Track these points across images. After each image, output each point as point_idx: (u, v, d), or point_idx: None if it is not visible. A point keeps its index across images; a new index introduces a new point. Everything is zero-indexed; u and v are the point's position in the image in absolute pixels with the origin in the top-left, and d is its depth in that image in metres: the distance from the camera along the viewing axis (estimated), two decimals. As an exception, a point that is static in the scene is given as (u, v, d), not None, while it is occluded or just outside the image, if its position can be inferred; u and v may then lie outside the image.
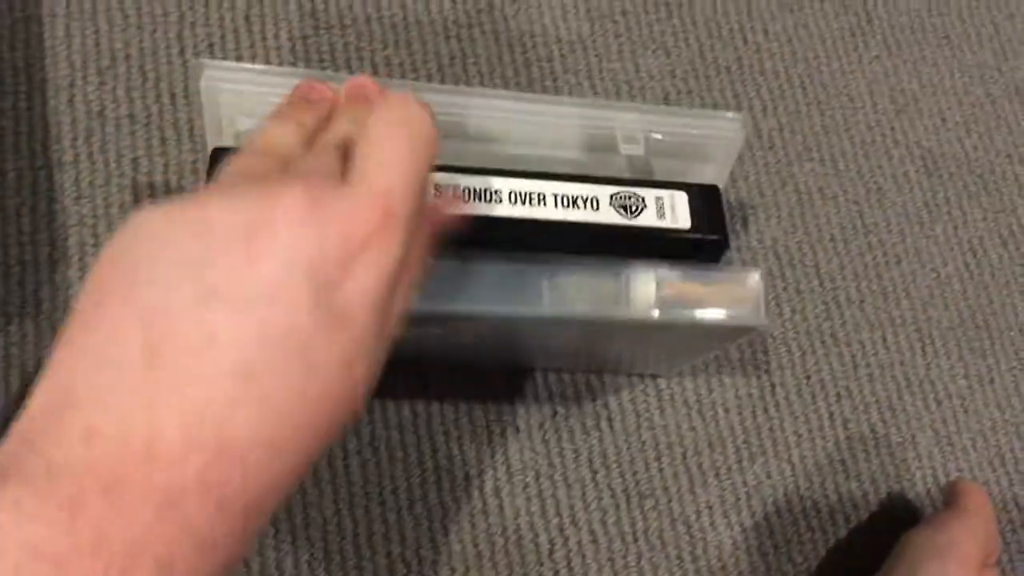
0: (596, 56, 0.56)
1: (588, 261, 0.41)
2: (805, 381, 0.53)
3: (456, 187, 0.38)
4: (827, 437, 0.52)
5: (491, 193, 0.39)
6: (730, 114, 0.44)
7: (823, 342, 0.54)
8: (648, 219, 0.40)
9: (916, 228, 0.58)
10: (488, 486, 0.48)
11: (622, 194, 0.40)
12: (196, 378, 0.24)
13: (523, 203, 0.39)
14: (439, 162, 0.32)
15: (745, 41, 0.59)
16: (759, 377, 0.52)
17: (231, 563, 0.25)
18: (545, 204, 0.40)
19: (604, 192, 0.40)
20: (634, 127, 0.43)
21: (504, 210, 0.39)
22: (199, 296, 0.24)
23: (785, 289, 0.54)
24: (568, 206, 0.40)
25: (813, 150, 0.58)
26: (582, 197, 0.40)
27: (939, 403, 0.54)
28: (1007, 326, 0.56)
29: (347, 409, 0.27)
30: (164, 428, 0.23)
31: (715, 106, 0.57)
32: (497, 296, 0.40)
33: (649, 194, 0.41)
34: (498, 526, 0.47)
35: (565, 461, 0.49)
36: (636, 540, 0.49)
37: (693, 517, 0.49)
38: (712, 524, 0.49)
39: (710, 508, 0.50)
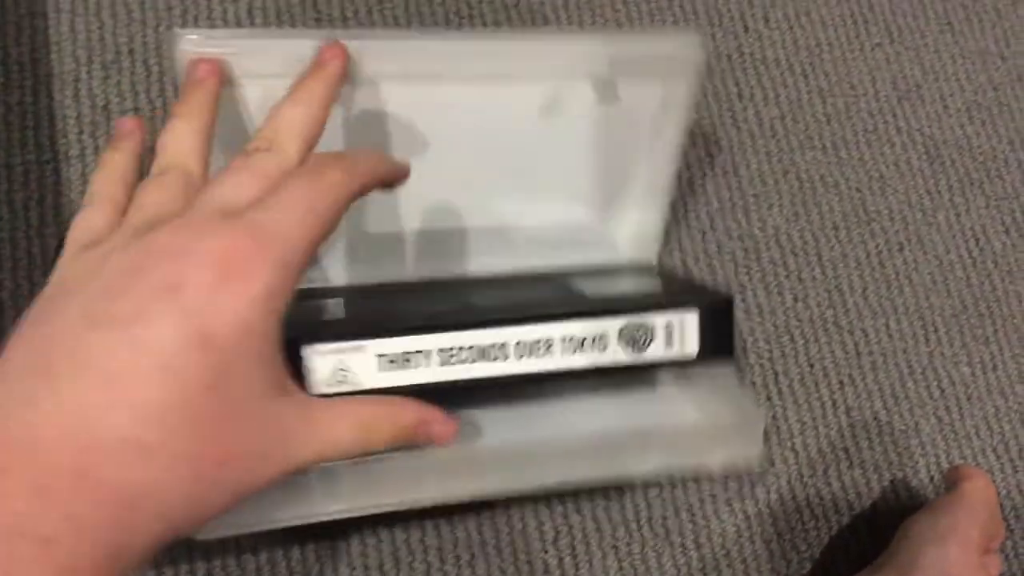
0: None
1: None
2: (808, 369, 0.53)
3: (456, 419, 0.37)
4: (830, 425, 0.52)
5: (496, 350, 0.38)
6: (688, 32, 0.44)
7: (826, 330, 0.54)
8: (656, 351, 0.39)
9: (918, 216, 0.58)
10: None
11: (631, 326, 0.39)
12: (72, 386, 0.28)
13: (529, 355, 0.39)
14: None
15: (746, 29, 0.59)
16: (762, 366, 0.53)
17: (122, 554, 0.27)
18: (551, 351, 0.39)
19: (613, 327, 0.39)
20: (598, 53, 0.42)
21: (510, 366, 0.38)
22: (86, 323, 0.29)
23: (788, 277, 0.55)
24: (575, 350, 0.39)
25: (815, 139, 0.58)
26: (589, 338, 0.39)
27: (942, 390, 0.54)
28: (1010, 313, 0.56)
29: (219, 429, 0.29)
30: (43, 426, 0.27)
31: (716, 96, 0.57)
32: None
33: (659, 321, 0.39)
34: (503, 514, 0.48)
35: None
36: (640, 528, 0.49)
37: (697, 505, 0.50)
38: (715, 512, 0.50)
39: (713, 496, 0.50)
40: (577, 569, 0.48)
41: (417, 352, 0.37)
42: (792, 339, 0.53)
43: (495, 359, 0.38)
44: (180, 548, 0.45)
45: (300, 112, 0.35)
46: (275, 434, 0.31)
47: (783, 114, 0.58)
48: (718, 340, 0.40)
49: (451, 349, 0.38)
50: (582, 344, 0.39)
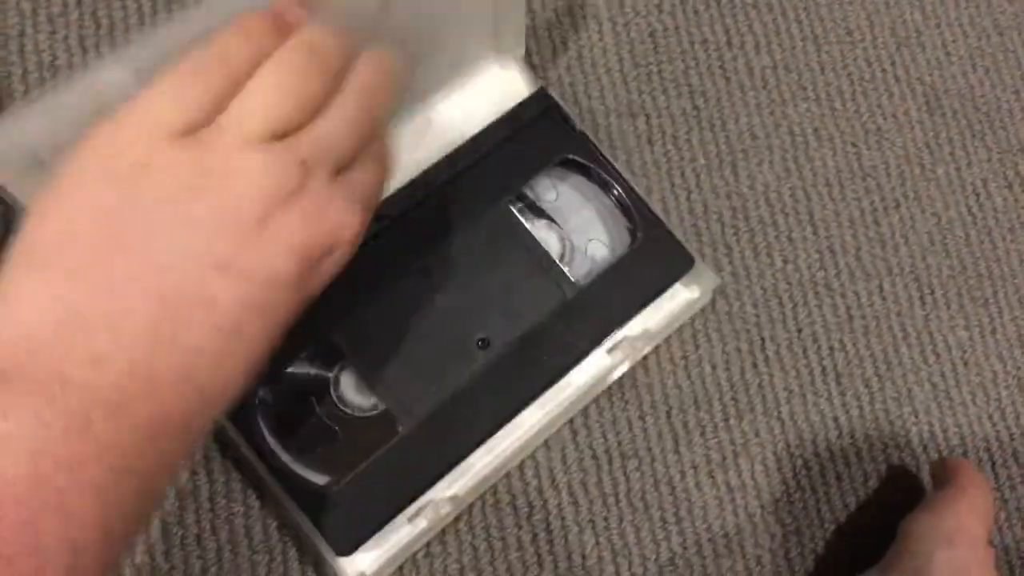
0: (577, -9, 0.53)
1: None
2: (796, 335, 0.51)
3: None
4: (819, 393, 0.50)
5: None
6: None
7: (816, 293, 0.51)
8: None
9: (916, 171, 0.55)
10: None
11: None
12: (197, 332, 0.29)
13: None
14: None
15: (737, -28, 0.56)
16: (748, 332, 0.50)
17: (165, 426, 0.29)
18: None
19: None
20: None
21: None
22: (214, 263, 0.29)
23: (777, 238, 0.52)
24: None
25: (808, 89, 0.55)
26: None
27: (937, 355, 0.52)
28: (1011, 273, 0.54)
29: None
30: (163, 369, 0.28)
31: (704, 44, 0.54)
32: None
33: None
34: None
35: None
36: (618, 502, 0.47)
37: (677, 477, 0.48)
38: (697, 484, 0.48)
39: (695, 468, 0.48)
40: (552, 545, 0.46)
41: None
42: (780, 303, 0.51)
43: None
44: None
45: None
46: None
47: (775, 63, 0.55)
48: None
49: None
50: None
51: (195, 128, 0.30)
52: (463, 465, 0.43)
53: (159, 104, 0.30)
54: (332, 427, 0.37)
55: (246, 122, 0.30)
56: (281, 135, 0.31)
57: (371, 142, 0.34)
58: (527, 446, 0.45)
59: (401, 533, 0.42)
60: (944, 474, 0.46)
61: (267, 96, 0.31)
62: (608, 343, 0.46)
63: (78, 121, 0.30)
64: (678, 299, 0.48)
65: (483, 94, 0.48)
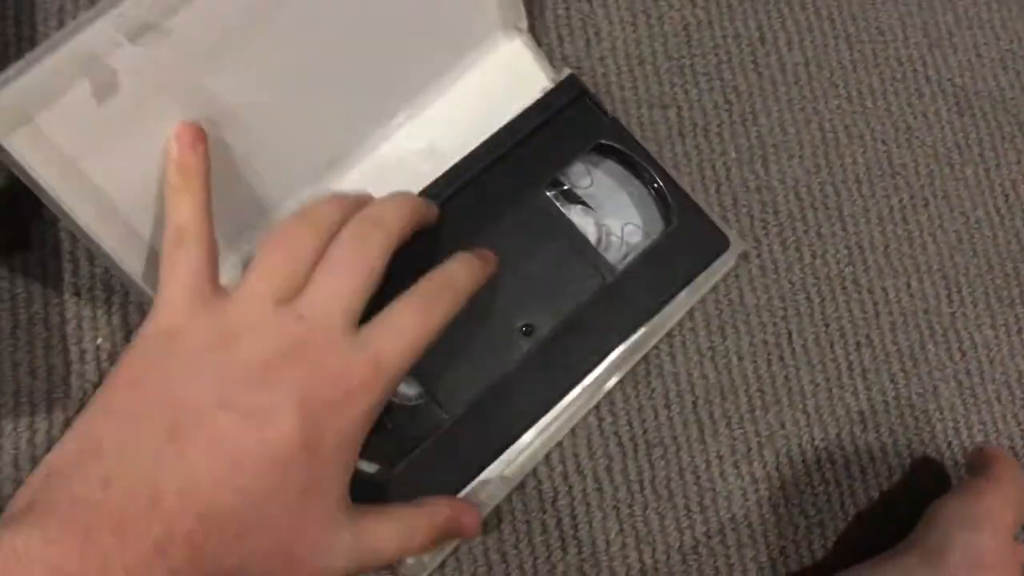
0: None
1: None
2: (824, 329, 0.51)
3: (478, 515, 0.41)
4: (845, 387, 0.50)
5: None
6: None
7: (844, 288, 0.52)
8: None
9: (946, 170, 0.55)
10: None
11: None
12: (200, 461, 0.31)
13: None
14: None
15: (771, -31, 0.56)
16: (775, 324, 0.50)
17: None
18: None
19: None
20: None
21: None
22: (219, 402, 0.32)
23: (806, 232, 0.52)
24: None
25: (840, 86, 0.55)
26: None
27: (963, 353, 0.52)
28: (1038, 274, 0.54)
29: (302, 527, 0.33)
30: (167, 490, 0.31)
31: (737, 38, 0.54)
32: None
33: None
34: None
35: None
36: (643, 489, 0.47)
37: (702, 467, 0.48)
38: (722, 474, 0.48)
39: (720, 458, 0.48)
40: (576, 530, 0.46)
41: None
42: (808, 297, 0.51)
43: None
44: None
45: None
46: (333, 538, 0.34)
47: (807, 59, 0.55)
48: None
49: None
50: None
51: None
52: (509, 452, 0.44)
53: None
54: (380, 417, 0.37)
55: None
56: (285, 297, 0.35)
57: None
58: (559, 432, 0.45)
59: None
60: (980, 461, 0.46)
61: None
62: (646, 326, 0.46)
63: (68, 75, 0.33)
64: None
65: (495, 71, 0.49)
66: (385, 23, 0.43)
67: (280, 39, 0.39)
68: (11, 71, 0.32)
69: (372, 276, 0.37)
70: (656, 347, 0.48)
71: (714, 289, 0.49)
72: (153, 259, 0.39)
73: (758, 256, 0.51)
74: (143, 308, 0.44)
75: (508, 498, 0.45)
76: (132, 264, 0.39)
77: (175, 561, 0.30)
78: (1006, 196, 0.55)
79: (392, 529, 0.37)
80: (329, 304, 0.35)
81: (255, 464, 0.32)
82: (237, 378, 0.33)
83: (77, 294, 0.44)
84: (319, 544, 0.34)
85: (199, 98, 0.38)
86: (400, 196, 0.41)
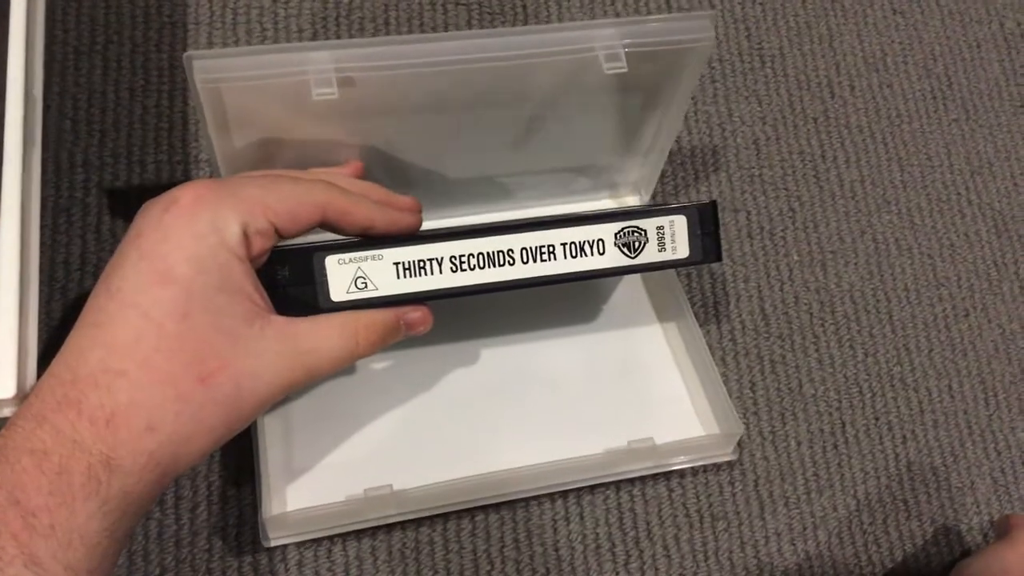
0: (692, 99, 0.59)
1: None
2: (874, 421, 0.56)
3: (425, 310, 0.41)
4: (891, 476, 0.55)
5: (504, 255, 0.42)
6: (701, 12, 0.46)
7: (892, 386, 0.57)
8: (650, 255, 0.44)
9: (984, 284, 0.60)
10: (571, 495, 0.50)
11: (626, 230, 0.43)
12: (73, 336, 0.33)
13: (534, 260, 0.42)
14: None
15: (832, 95, 0.62)
16: (831, 415, 0.55)
17: (112, 465, 0.32)
18: (555, 257, 0.42)
19: (608, 232, 0.43)
20: (613, 43, 0.44)
21: (517, 271, 0.42)
22: (95, 290, 0.34)
23: (859, 332, 0.57)
24: (576, 255, 0.43)
25: (892, 203, 0.61)
26: (588, 242, 0.43)
27: (999, 453, 0.57)
28: (1068, 385, 0.59)
29: (196, 352, 0.33)
30: (57, 367, 0.33)
31: (801, 155, 0.60)
32: None
33: (651, 225, 0.43)
34: (578, 533, 0.50)
35: (644, 478, 0.51)
36: (707, 559, 0.51)
37: (762, 542, 0.52)
38: (779, 550, 0.52)
39: (778, 534, 0.52)
40: (646, 593, 0.50)
41: (431, 259, 0.41)
42: (860, 392, 0.56)
43: (502, 265, 0.42)
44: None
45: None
46: (258, 353, 0.34)
47: (863, 177, 0.61)
48: (706, 242, 0.44)
49: (462, 256, 0.41)
50: (582, 249, 0.43)
51: None
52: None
53: None
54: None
55: None
56: None
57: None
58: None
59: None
60: (1004, 526, 0.50)
61: None
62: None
63: (276, 76, 0.39)
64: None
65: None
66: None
67: None
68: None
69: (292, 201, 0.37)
70: (724, 428, 0.53)
71: (776, 377, 0.54)
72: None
73: (816, 350, 0.56)
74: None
75: (583, 557, 0.49)
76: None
77: (55, 422, 0.32)
78: (1038, 312, 0.60)
79: (329, 327, 0.37)
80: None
81: (112, 319, 0.33)
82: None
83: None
84: (232, 362, 0.34)
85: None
86: (389, 212, 0.40)
